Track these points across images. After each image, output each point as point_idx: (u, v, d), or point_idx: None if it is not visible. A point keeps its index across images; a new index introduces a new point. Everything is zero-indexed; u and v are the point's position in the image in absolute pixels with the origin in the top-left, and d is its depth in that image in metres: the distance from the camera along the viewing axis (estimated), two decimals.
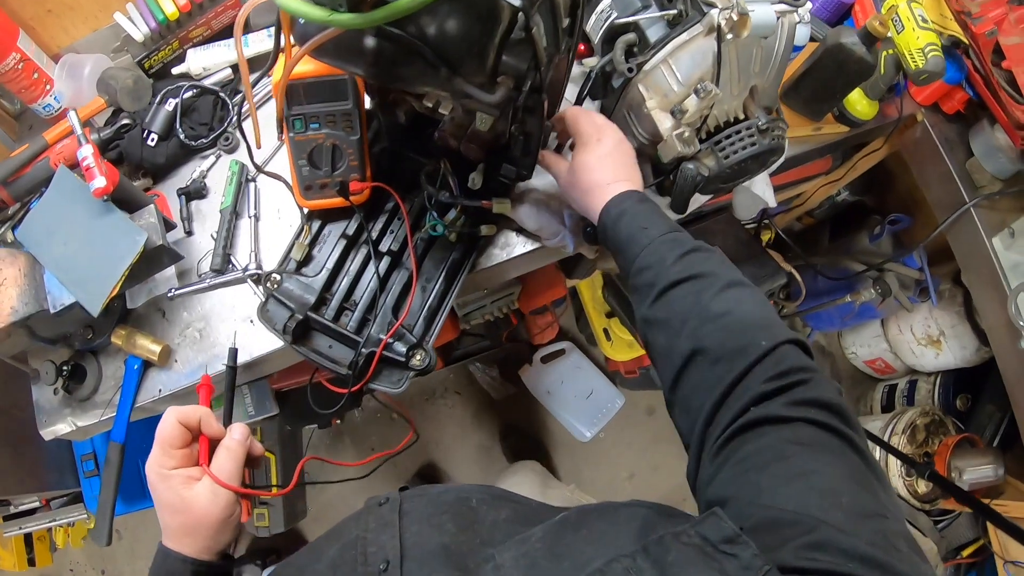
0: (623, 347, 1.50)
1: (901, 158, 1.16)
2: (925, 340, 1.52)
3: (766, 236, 1.55)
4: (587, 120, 0.67)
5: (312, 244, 0.81)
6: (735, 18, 0.57)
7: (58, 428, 0.88)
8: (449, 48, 0.46)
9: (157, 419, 0.56)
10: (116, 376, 0.87)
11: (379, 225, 0.80)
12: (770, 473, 0.39)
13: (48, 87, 0.99)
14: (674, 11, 0.64)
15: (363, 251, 0.79)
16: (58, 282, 0.78)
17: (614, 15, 0.70)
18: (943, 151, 1.03)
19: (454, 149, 0.75)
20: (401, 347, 0.76)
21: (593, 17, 0.72)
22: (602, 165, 0.65)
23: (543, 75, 0.51)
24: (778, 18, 0.59)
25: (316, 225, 0.81)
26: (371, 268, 0.78)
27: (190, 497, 0.53)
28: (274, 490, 1.55)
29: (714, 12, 0.59)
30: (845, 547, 0.34)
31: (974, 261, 1.06)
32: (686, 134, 0.66)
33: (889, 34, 0.82)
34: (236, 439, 0.58)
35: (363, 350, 0.75)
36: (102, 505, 0.88)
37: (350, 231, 0.80)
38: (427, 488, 0.55)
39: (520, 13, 0.46)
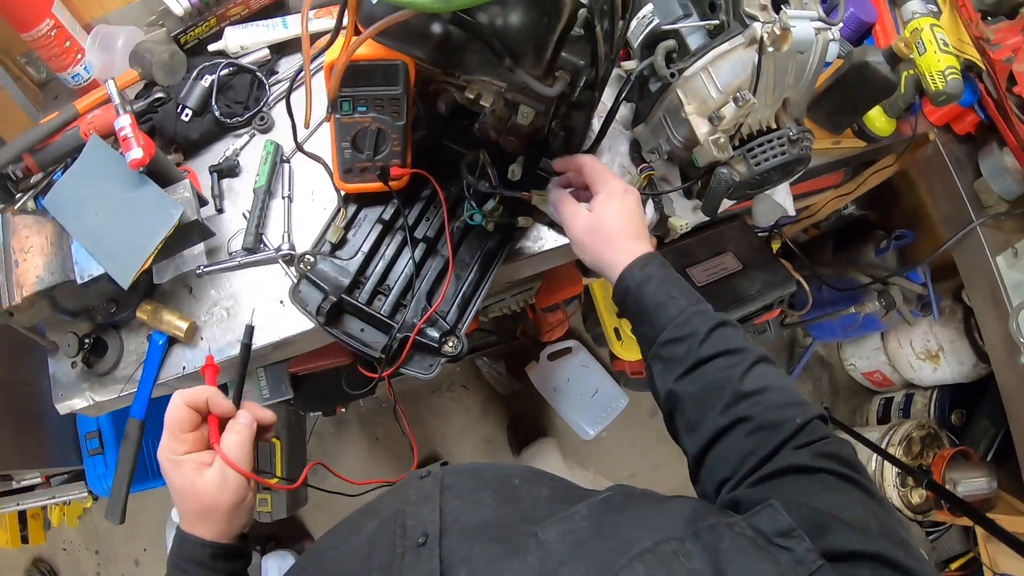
0: (633, 347, 1.53)
1: (908, 176, 1.19)
2: (924, 354, 1.55)
3: (775, 245, 1.58)
4: (610, 172, 0.67)
5: (348, 227, 0.82)
6: (777, 32, 0.60)
7: (75, 403, 0.87)
8: (513, 38, 0.48)
9: (168, 400, 0.57)
10: (138, 351, 0.86)
11: (415, 212, 0.82)
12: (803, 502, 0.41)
13: (79, 56, 0.97)
14: (716, 21, 0.67)
15: (398, 237, 0.81)
16: (86, 253, 0.77)
17: (656, 21, 0.72)
18: (953, 170, 1.06)
19: (493, 141, 0.77)
20: (434, 333, 0.78)
21: (634, 22, 0.75)
22: (627, 220, 0.64)
23: (599, 72, 0.54)
24: (816, 34, 0.62)
25: (352, 209, 0.83)
26: (406, 254, 0.80)
27: (201, 484, 0.53)
28: (276, 480, 1.57)
29: (757, 25, 0.62)
30: (891, 538, 0.36)
31: (978, 278, 1.09)
32: (721, 140, 0.69)
33: (912, 55, 0.86)
34: (243, 423, 0.58)
35: (397, 334, 0.77)
36: (118, 482, 0.88)
37: (387, 216, 0.81)
38: (468, 464, 0.56)
39: (582, 10, 0.49)
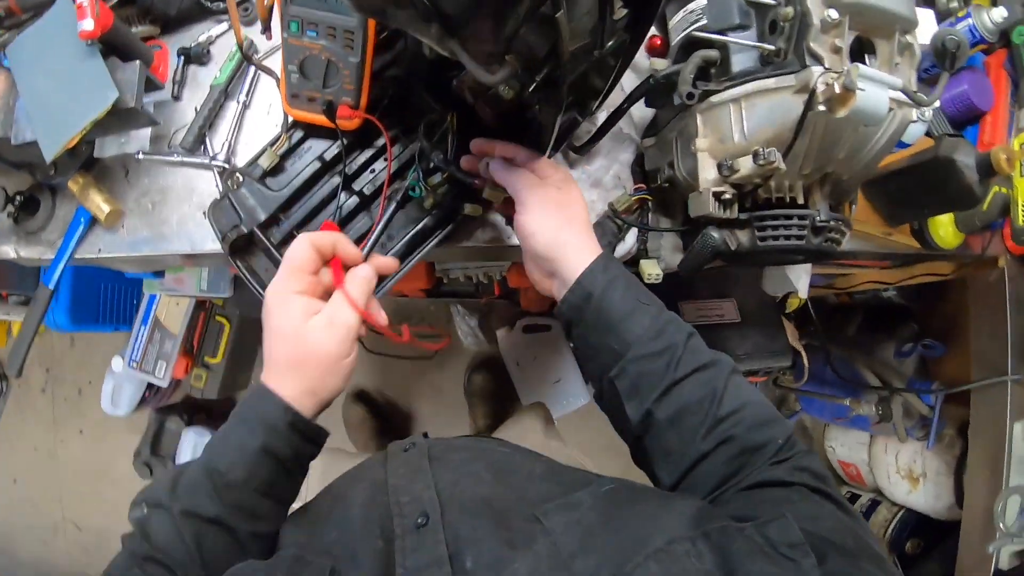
0: None
1: (963, 285, 1.04)
2: (905, 472, 1.42)
3: (794, 303, 1.42)
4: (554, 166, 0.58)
5: (286, 155, 0.71)
6: (837, 91, 0.44)
7: (3, 250, 0.85)
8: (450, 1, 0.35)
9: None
10: (66, 220, 0.82)
11: (361, 159, 0.70)
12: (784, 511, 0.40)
13: None
14: (772, 47, 0.50)
15: (334, 182, 0.70)
16: (26, 114, 0.72)
17: (704, 22, 0.56)
18: (1009, 308, 0.91)
19: (468, 105, 0.64)
20: None
21: (680, 15, 0.59)
22: (586, 210, 0.57)
23: (564, 69, 0.40)
24: (890, 109, 0.46)
25: (297, 136, 0.71)
26: (335, 204, 0.69)
27: (306, 327, 0.49)
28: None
29: (815, 71, 0.46)
30: (868, 555, 0.37)
31: (987, 435, 0.97)
32: (727, 195, 0.54)
33: (1012, 174, 0.67)
34: (363, 275, 0.53)
35: None
36: (21, 340, 0.89)
37: (328, 156, 0.70)
38: (450, 439, 0.55)
39: None
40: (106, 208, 0.76)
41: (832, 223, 0.55)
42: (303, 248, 0.51)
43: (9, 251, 0.84)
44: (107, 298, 1.57)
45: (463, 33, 0.37)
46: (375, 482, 0.48)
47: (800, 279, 0.76)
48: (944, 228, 0.81)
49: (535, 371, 1.83)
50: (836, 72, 0.45)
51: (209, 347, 1.66)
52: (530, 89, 0.43)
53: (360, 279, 0.53)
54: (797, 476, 0.44)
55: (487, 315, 1.88)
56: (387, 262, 0.58)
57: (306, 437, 0.49)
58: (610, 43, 0.47)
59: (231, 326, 1.66)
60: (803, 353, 1.18)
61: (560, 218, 0.54)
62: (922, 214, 0.77)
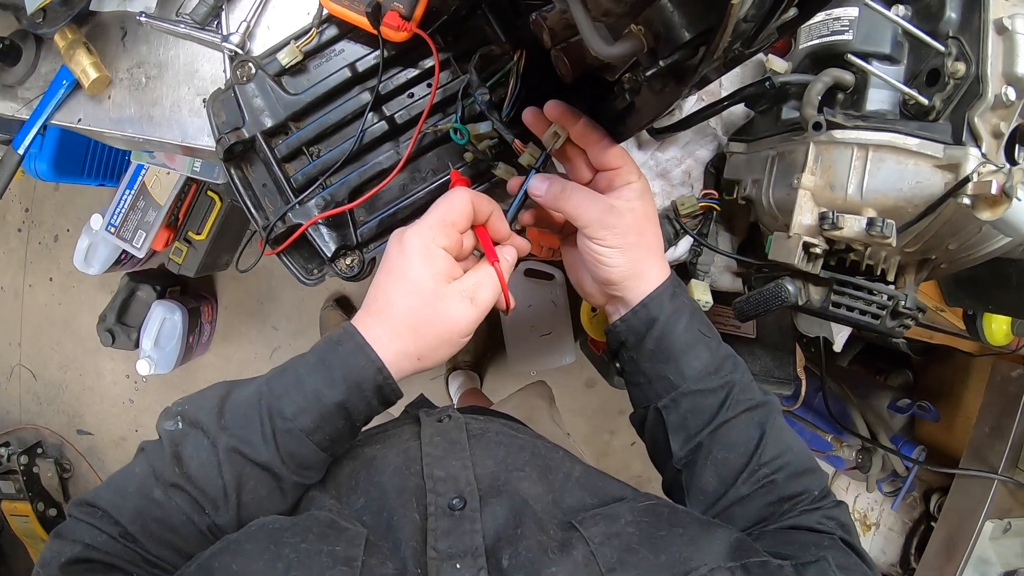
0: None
1: (979, 366, 0.99)
2: (860, 516, 1.42)
3: (818, 335, 1.37)
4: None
5: (312, 54, 0.60)
6: (993, 191, 0.35)
7: None
8: None
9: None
10: (47, 79, 0.72)
11: (400, 80, 0.60)
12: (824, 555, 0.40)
13: None
14: (925, 100, 0.41)
15: (363, 98, 0.60)
16: None
17: (845, 36, 0.46)
18: (1021, 409, 0.87)
19: (543, 48, 0.53)
20: (331, 239, 0.60)
21: (820, 16, 0.48)
22: (658, 230, 0.51)
23: (701, 64, 0.30)
24: None
25: (329, 34, 0.60)
26: (358, 125, 0.59)
27: (446, 292, 0.44)
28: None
29: (973, 155, 0.37)
30: None
31: (957, 522, 0.96)
32: (817, 250, 0.46)
33: None
34: (510, 260, 0.49)
35: (289, 214, 0.59)
36: None
37: (361, 66, 0.59)
38: (485, 418, 0.53)
39: None
40: (93, 73, 0.66)
41: (911, 311, 0.47)
42: (464, 202, 0.45)
43: None
44: (95, 152, 1.44)
45: None
46: (407, 449, 0.46)
47: (840, 332, 0.70)
48: (999, 325, 0.76)
49: (527, 319, 1.76)
50: (995, 166, 0.36)
51: (195, 222, 1.55)
52: (648, 73, 0.33)
53: (508, 263, 0.49)
54: (828, 525, 0.44)
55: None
56: (524, 244, 0.52)
57: (385, 400, 0.45)
58: (757, 44, 0.37)
59: (222, 204, 1.55)
60: (804, 379, 1.14)
61: (639, 248, 0.48)
62: (984, 307, 0.70)
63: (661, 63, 0.31)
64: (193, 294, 1.86)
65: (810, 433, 1.42)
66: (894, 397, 1.32)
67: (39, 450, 2.02)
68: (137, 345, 1.68)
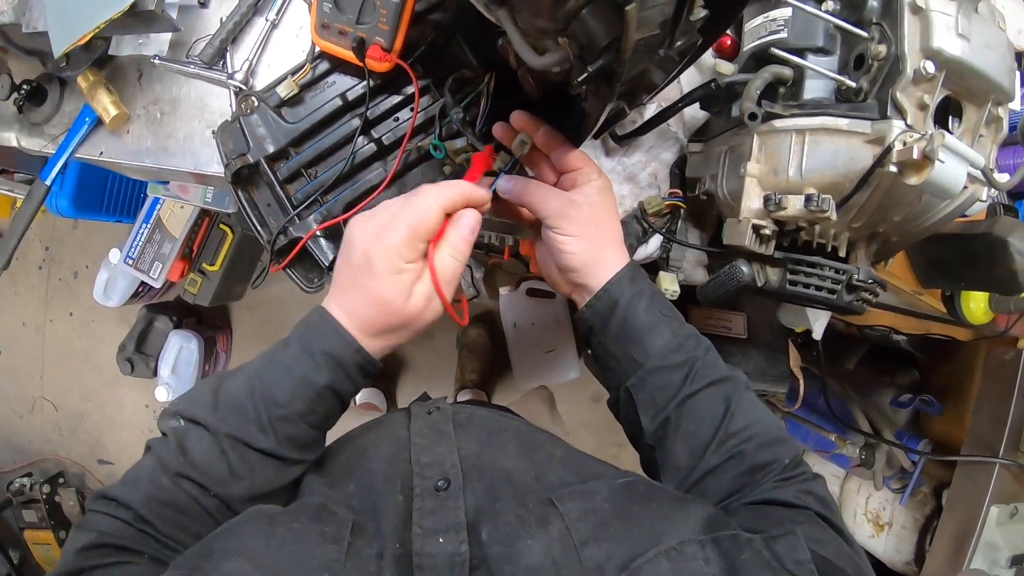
0: None
1: (974, 352, 1.00)
2: (872, 517, 1.41)
3: (801, 327, 1.38)
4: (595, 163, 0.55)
5: (307, 87, 0.67)
6: (915, 156, 0.39)
7: (4, 136, 0.81)
8: None
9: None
10: (71, 116, 0.78)
11: (386, 105, 0.66)
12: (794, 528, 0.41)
13: None
14: (853, 84, 0.45)
15: (353, 124, 0.65)
16: (42, 2, 0.67)
17: (784, 35, 0.50)
18: (1017, 392, 0.88)
19: (511, 68, 0.58)
20: (330, 249, 0.65)
21: (759, 20, 0.53)
22: (617, 223, 0.54)
23: (622, 65, 0.35)
24: (964, 187, 0.41)
25: (322, 68, 0.66)
26: (350, 147, 0.65)
27: (412, 300, 0.46)
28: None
29: (896, 125, 0.41)
30: None
31: (962, 510, 0.96)
32: (766, 231, 0.50)
33: None
34: (469, 224, 0.48)
35: (290, 229, 0.64)
36: (11, 232, 0.85)
37: (351, 95, 0.65)
38: (475, 408, 0.54)
39: None
40: (113, 111, 0.72)
41: (866, 283, 0.50)
42: (432, 213, 0.46)
43: (11, 138, 0.80)
44: (113, 189, 1.53)
45: (515, 2, 0.32)
46: (397, 439, 0.48)
47: (818, 320, 0.73)
48: (976, 303, 0.77)
49: (531, 336, 1.79)
50: (918, 134, 0.40)
51: (208, 254, 1.62)
52: (580, 78, 0.38)
53: (460, 249, 0.48)
54: (803, 499, 0.45)
55: (492, 271, 1.84)
56: (480, 195, 0.51)
57: (367, 374, 0.48)
58: (679, 42, 0.42)
59: (234, 236, 1.62)
60: (801, 379, 1.15)
61: (596, 237, 0.52)
62: (957, 286, 0.73)
63: (589, 68, 0.36)
64: (209, 324, 1.92)
65: (813, 434, 1.43)
66: (897, 393, 1.32)
67: (61, 480, 2.06)
68: (155, 373, 1.74)
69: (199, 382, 0.47)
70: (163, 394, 1.69)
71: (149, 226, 1.50)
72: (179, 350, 1.74)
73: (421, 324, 0.48)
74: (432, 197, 0.46)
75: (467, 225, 0.48)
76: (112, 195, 1.53)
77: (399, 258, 0.45)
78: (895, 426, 1.27)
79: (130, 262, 1.52)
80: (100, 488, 0.45)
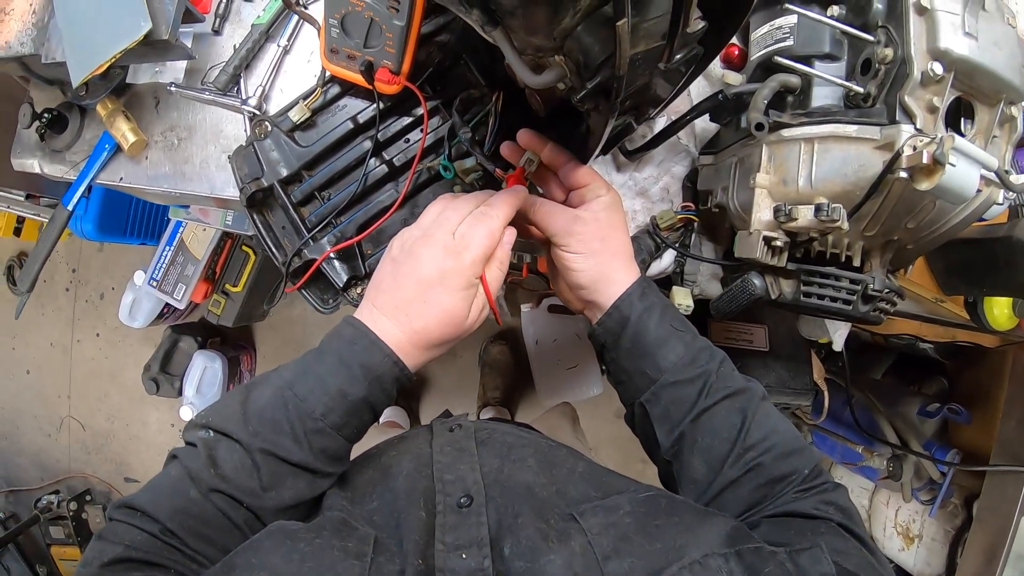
0: None
1: (1002, 358, 0.97)
2: (902, 530, 1.37)
3: (821, 339, 1.36)
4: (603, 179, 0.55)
5: (319, 111, 0.68)
6: (924, 160, 0.38)
7: (27, 163, 0.83)
8: None
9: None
10: (91, 143, 0.80)
11: (396, 127, 0.66)
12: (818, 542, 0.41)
13: None
14: (861, 89, 0.44)
15: (364, 146, 0.66)
16: (60, 33, 0.69)
17: (790, 43, 0.50)
18: None
19: (518, 87, 0.59)
20: (343, 271, 0.66)
21: (765, 28, 0.52)
22: (628, 236, 0.55)
23: (618, 80, 0.35)
24: (978, 190, 0.40)
25: (333, 92, 0.67)
26: (362, 169, 0.66)
27: (472, 315, 0.48)
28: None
29: (905, 130, 0.40)
30: None
31: (993, 521, 0.93)
32: (778, 242, 0.49)
33: None
34: (508, 243, 0.51)
35: (304, 251, 0.65)
36: (35, 257, 0.87)
37: (362, 118, 0.66)
38: (495, 424, 0.54)
39: None
40: (132, 137, 0.74)
41: (883, 293, 0.49)
42: (499, 233, 0.49)
43: (34, 165, 0.83)
44: (136, 212, 1.56)
45: (509, 22, 0.33)
46: (419, 456, 0.48)
47: (838, 331, 0.71)
48: (1000, 309, 0.75)
49: (552, 352, 1.79)
50: (928, 138, 0.39)
51: (231, 275, 1.65)
52: (579, 96, 0.38)
53: (501, 263, 0.51)
54: (824, 510, 0.44)
55: (513, 288, 1.85)
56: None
57: (402, 387, 0.48)
58: (679, 55, 0.42)
59: (256, 258, 1.65)
60: (825, 391, 1.13)
61: (603, 253, 0.52)
62: (979, 292, 0.71)
63: (588, 85, 0.36)
64: (233, 344, 1.95)
65: (840, 446, 1.39)
66: (924, 403, 1.28)
67: (88, 497, 2.09)
68: (180, 393, 1.77)
69: (224, 394, 0.47)
70: (188, 413, 1.72)
71: (172, 249, 1.53)
72: (204, 370, 1.77)
73: (466, 335, 0.49)
74: (496, 220, 0.48)
75: (509, 241, 0.50)
76: (136, 218, 1.57)
77: (473, 275, 0.47)
78: (923, 436, 1.24)
79: (154, 284, 1.55)
80: (123, 497, 0.43)
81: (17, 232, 1.91)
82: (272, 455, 0.43)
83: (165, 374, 1.79)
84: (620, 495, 0.44)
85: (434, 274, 0.46)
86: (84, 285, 2.13)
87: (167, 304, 1.68)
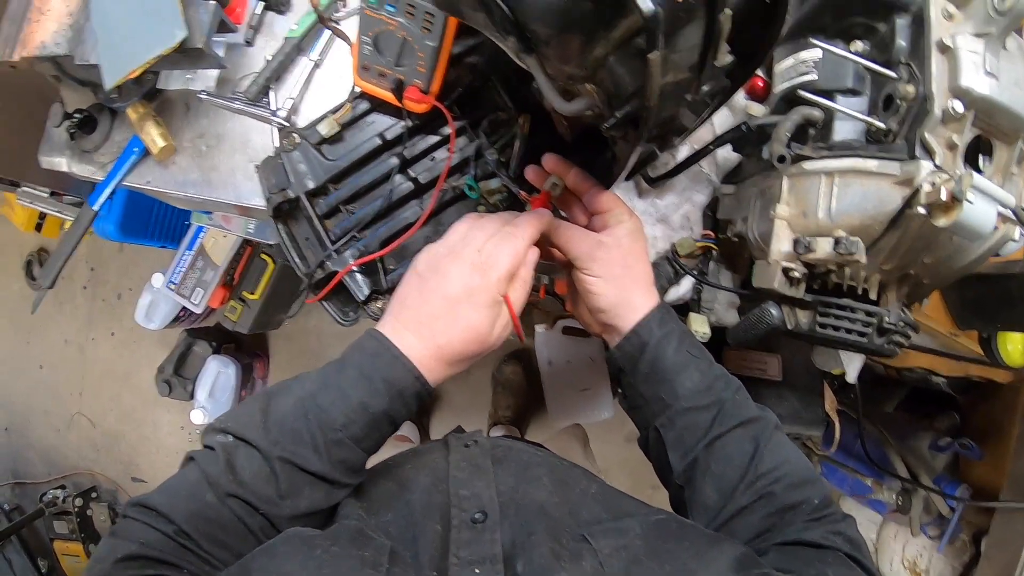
0: None
1: (1016, 393, 0.96)
2: (910, 565, 1.35)
3: (835, 370, 1.35)
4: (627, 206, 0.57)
5: (348, 126, 0.70)
6: (943, 197, 0.39)
7: (55, 161, 0.85)
8: (531, 12, 0.32)
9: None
10: (120, 145, 0.81)
11: (423, 145, 0.68)
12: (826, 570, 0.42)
13: None
14: (882, 125, 0.45)
15: (391, 162, 0.68)
16: (95, 36, 0.70)
17: (813, 77, 0.51)
18: None
19: (545, 111, 0.61)
20: (365, 284, 0.67)
21: (789, 61, 0.54)
22: (649, 263, 0.55)
23: (647, 111, 0.36)
24: (996, 227, 0.41)
25: (362, 108, 0.69)
26: (388, 185, 0.67)
27: (496, 331, 0.49)
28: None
29: (924, 166, 0.41)
30: None
31: (1001, 559, 0.91)
32: (796, 274, 0.50)
33: None
34: (532, 261, 0.52)
35: (327, 263, 0.66)
36: (58, 254, 0.88)
37: (389, 135, 0.68)
38: (511, 442, 0.55)
39: (648, 26, 0.31)
40: (160, 142, 0.76)
41: (898, 326, 0.50)
42: (525, 252, 0.50)
43: (62, 164, 0.84)
44: (159, 215, 1.60)
45: (543, 50, 0.34)
46: (435, 471, 0.49)
47: (852, 362, 0.71)
48: (1014, 345, 0.75)
49: (565, 374, 1.79)
50: (947, 174, 0.40)
51: (249, 282, 1.66)
52: (608, 124, 0.40)
53: (525, 281, 0.52)
54: (833, 540, 0.44)
55: (529, 309, 1.85)
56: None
57: (421, 401, 0.49)
58: (707, 87, 0.43)
59: (275, 266, 1.66)
60: (837, 422, 1.12)
61: (625, 278, 0.53)
62: (993, 327, 0.71)
63: (617, 114, 0.38)
64: (247, 351, 1.95)
65: (850, 478, 1.38)
66: (935, 438, 1.27)
67: (94, 494, 2.10)
68: (192, 396, 1.78)
69: (245, 400, 0.47)
70: (199, 417, 1.73)
71: (192, 253, 1.56)
72: (217, 375, 1.78)
73: (487, 353, 0.50)
74: (522, 241, 0.49)
75: (533, 261, 0.51)
76: (157, 222, 1.60)
77: (498, 292, 0.48)
78: (933, 471, 1.23)
79: (172, 287, 1.57)
80: (138, 496, 0.43)
81: (38, 227, 1.95)
82: (291, 464, 0.44)
83: (178, 377, 1.80)
84: (631, 518, 0.44)
85: (461, 290, 0.47)
86: (102, 285, 2.16)
87: (183, 308, 1.69)
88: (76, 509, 2.00)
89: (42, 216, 1.94)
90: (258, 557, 0.39)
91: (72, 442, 2.22)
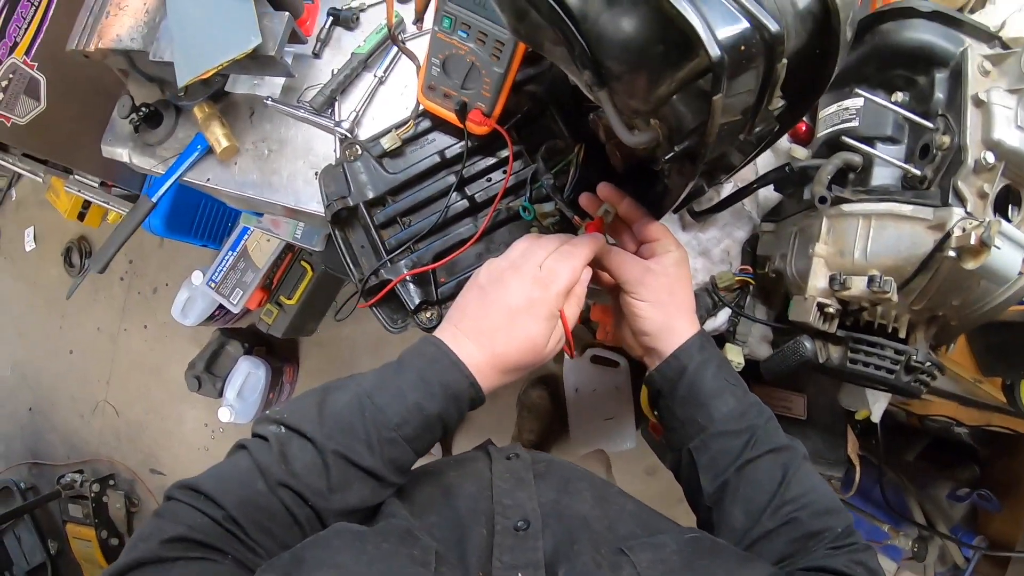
0: None
1: None
2: None
3: (864, 414, 1.36)
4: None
5: (409, 141, 0.74)
6: (972, 242, 0.42)
7: (117, 151, 0.88)
8: (604, 50, 0.36)
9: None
10: (183, 142, 0.85)
11: (481, 166, 0.72)
12: None
13: None
14: (918, 172, 0.49)
15: (449, 180, 0.72)
16: (170, 35, 0.74)
17: (855, 125, 0.55)
18: None
19: (600, 142, 0.64)
20: (416, 294, 0.70)
21: (832, 108, 0.57)
22: (691, 294, 0.58)
23: (705, 147, 0.40)
24: (1021, 273, 0.43)
25: (424, 126, 0.74)
26: (444, 201, 0.71)
27: (551, 344, 0.52)
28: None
29: (956, 212, 0.44)
30: None
31: None
32: (831, 309, 0.53)
33: None
34: (585, 281, 0.55)
35: (381, 272, 0.70)
36: (112, 241, 0.90)
37: (449, 153, 0.72)
38: (551, 458, 0.56)
39: (714, 69, 0.35)
40: (224, 142, 0.79)
41: (925, 366, 0.52)
42: (582, 270, 0.53)
43: (123, 154, 0.87)
44: (204, 214, 1.66)
45: (615, 85, 0.38)
46: (480, 479, 0.51)
47: (877, 402, 0.73)
48: None
49: (591, 402, 1.80)
50: (977, 221, 0.43)
51: (287, 287, 1.71)
52: (667, 157, 0.43)
53: (579, 297, 0.55)
54: (854, 569, 0.45)
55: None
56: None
57: (474, 407, 0.51)
58: (758, 128, 0.47)
59: (313, 273, 1.71)
60: (858, 466, 1.12)
61: (670, 305, 0.56)
62: (1018, 374, 0.73)
63: (676, 148, 0.41)
64: (278, 355, 1.97)
65: (866, 523, 1.37)
66: (954, 487, 1.27)
67: (111, 482, 2.12)
68: (221, 394, 1.81)
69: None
70: (226, 415, 1.74)
71: (235, 253, 1.61)
72: (247, 375, 1.81)
73: (540, 364, 0.52)
74: (580, 260, 0.53)
75: (587, 280, 0.54)
76: (202, 220, 1.66)
77: (556, 306, 0.50)
78: (951, 520, 1.22)
79: (212, 285, 1.62)
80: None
81: (81, 216, 2.02)
82: (344, 458, 0.45)
83: (209, 374, 1.84)
84: (666, 534, 0.46)
85: (522, 302, 0.50)
86: (139, 277, 2.22)
87: (219, 307, 1.75)
88: (92, 494, 2.02)
89: (86, 205, 2.00)
90: (310, 547, 0.40)
91: (95, 428, 2.26)
